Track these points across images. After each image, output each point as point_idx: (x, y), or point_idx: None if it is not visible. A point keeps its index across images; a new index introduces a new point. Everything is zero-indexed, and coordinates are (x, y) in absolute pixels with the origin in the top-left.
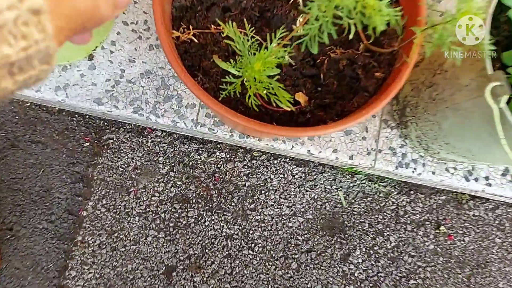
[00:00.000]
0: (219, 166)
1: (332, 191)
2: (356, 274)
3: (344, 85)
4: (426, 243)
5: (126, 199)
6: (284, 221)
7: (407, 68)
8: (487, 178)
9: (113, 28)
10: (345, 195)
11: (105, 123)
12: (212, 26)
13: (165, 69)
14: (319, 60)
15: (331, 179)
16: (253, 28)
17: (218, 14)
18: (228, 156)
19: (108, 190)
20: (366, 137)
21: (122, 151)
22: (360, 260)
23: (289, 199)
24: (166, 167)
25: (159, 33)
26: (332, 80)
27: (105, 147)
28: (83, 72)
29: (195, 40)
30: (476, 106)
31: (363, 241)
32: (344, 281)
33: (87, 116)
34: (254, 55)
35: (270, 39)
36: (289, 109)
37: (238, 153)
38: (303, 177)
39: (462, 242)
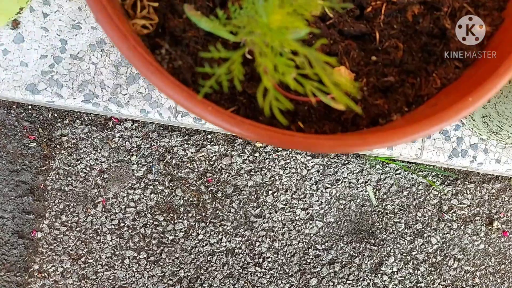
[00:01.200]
0: (211, 163)
1: (359, 186)
2: (390, 287)
3: (417, 50)
4: (476, 243)
5: (92, 212)
6: (299, 228)
7: None
8: None
9: None
10: (375, 190)
11: (55, 115)
12: None
13: None
14: (370, 9)
15: (356, 171)
16: None
17: None
18: (222, 149)
19: (67, 203)
20: None
21: (81, 151)
22: (395, 269)
23: (304, 199)
24: (142, 169)
25: None
26: (395, 41)
27: (58, 146)
28: (6, 47)
29: None
30: None
31: (398, 245)
32: None
33: (29, 107)
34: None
35: None
36: (344, 109)
37: (236, 144)
38: (321, 170)
39: None
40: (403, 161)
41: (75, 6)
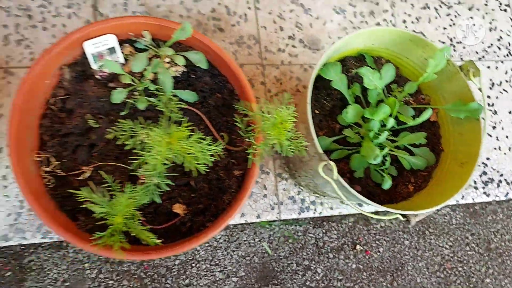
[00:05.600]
0: None
1: (256, 243)
2: None
3: (213, 187)
4: (349, 264)
5: None
6: (221, 285)
7: (253, 169)
8: None
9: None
10: (268, 244)
11: (22, 247)
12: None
13: None
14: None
15: (252, 233)
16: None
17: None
18: None
19: None
20: (266, 194)
21: (46, 269)
22: None
23: (219, 264)
24: (94, 271)
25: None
26: (202, 184)
27: (28, 270)
28: None
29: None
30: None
31: (295, 280)
32: None
33: (1, 248)
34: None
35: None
36: (155, 243)
37: None
38: (226, 239)
39: (378, 253)
40: (282, 220)
41: None
